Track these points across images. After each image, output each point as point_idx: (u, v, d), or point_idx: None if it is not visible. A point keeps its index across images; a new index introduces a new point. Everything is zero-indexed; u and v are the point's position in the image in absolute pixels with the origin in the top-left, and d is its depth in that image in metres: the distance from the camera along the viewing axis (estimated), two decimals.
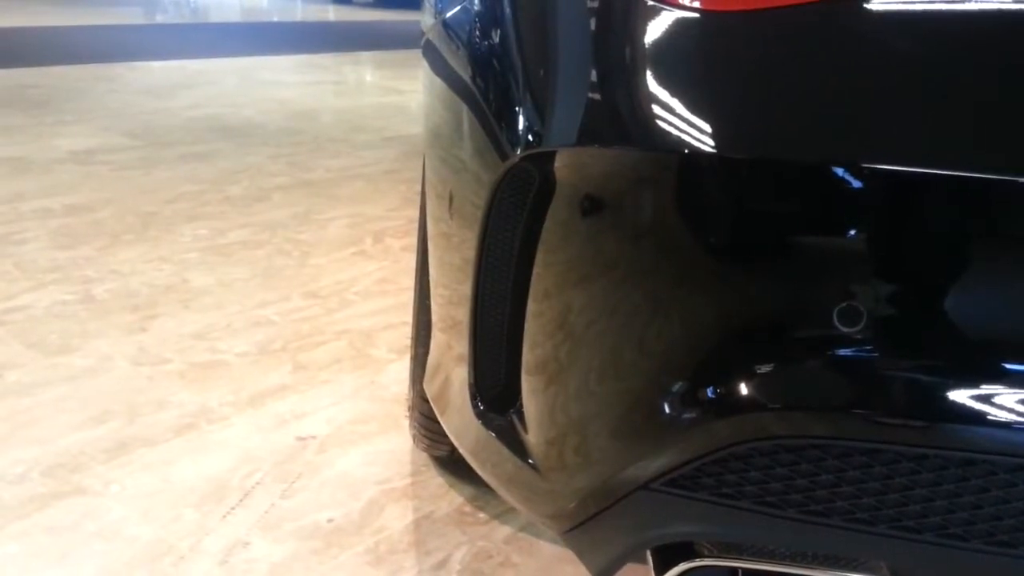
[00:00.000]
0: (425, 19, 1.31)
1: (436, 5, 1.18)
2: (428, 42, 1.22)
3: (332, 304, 2.29)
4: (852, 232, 0.68)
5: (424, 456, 1.63)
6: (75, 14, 8.82)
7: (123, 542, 1.39)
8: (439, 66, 1.10)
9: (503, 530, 1.45)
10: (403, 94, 5.70)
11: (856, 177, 0.66)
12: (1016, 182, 0.63)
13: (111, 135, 4.03)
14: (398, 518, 1.47)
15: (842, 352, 0.68)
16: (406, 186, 3.44)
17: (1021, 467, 0.69)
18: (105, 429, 1.68)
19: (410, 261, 2.52)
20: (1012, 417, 0.66)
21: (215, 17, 10.37)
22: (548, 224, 0.80)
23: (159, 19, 9.72)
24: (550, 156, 0.78)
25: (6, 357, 1.93)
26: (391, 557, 1.39)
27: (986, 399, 0.67)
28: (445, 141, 1.04)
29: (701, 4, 0.70)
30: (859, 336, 0.68)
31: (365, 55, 7.44)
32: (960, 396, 0.67)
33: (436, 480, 1.57)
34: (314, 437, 1.69)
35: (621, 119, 0.74)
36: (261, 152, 3.91)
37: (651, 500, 0.78)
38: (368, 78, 6.63)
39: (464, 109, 0.94)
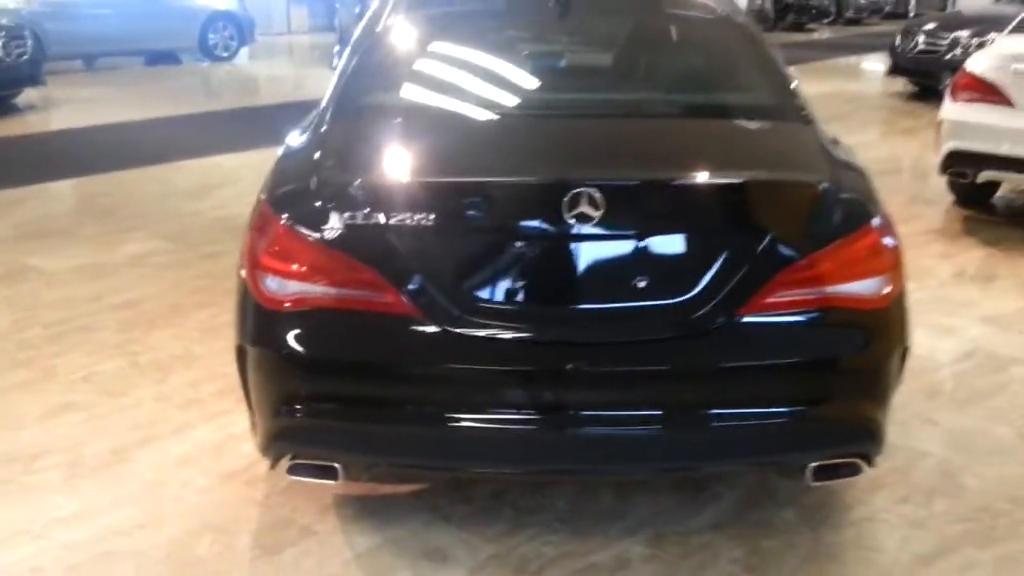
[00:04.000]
0: None
1: None
2: None
3: None
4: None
5: None
6: (138, 100, 10.87)
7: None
8: None
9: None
10: None
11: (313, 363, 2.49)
12: None
13: (157, 240, 5.92)
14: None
15: (316, 402, 2.54)
16: None
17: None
18: (159, 430, 3.51)
19: None
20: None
21: (266, 97, 12.45)
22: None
23: (208, 104, 11.75)
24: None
25: (87, 399, 3.77)
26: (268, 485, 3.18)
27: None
28: None
29: (269, 305, 2.50)
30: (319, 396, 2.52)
31: None
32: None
33: None
34: (235, 434, 3.49)
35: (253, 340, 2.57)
36: None
37: (279, 440, 2.62)
38: None
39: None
